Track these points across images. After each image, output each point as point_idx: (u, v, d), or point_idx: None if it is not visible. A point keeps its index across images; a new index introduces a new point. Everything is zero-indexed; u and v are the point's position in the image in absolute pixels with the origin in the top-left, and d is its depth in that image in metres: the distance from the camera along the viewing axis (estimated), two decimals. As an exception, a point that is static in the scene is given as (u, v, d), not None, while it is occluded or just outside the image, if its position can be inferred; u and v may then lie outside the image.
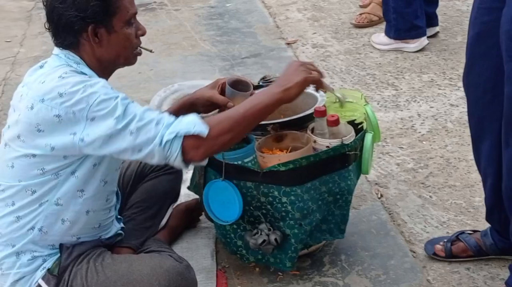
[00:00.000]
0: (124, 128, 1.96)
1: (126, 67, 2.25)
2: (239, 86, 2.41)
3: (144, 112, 1.99)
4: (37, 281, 2.16)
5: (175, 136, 1.97)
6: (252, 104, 2.09)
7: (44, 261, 2.17)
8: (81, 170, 2.10)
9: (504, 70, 2.10)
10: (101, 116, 1.96)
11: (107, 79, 2.19)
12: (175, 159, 2.00)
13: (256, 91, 2.38)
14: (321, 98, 2.56)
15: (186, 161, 2.02)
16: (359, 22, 4.87)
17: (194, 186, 2.62)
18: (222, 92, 2.41)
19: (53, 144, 2.01)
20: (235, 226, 2.47)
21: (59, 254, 2.18)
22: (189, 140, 1.99)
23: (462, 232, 2.63)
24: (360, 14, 4.94)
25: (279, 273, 2.58)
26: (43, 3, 2.11)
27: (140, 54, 2.22)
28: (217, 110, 2.40)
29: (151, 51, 2.35)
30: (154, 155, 1.99)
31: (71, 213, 2.15)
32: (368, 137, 2.48)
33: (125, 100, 2.00)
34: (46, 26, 2.12)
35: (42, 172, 2.07)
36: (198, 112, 2.46)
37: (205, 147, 2.02)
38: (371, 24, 4.86)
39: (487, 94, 2.24)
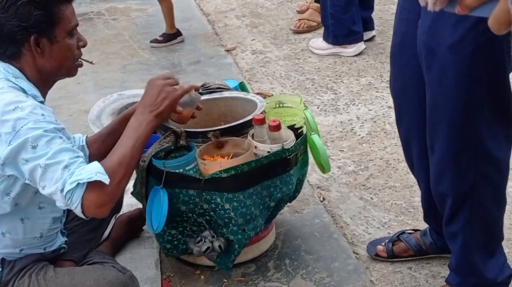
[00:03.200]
0: (35, 160, 1.92)
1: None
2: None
3: (60, 152, 1.92)
4: (-23, 297, 2.13)
5: (77, 185, 1.89)
6: (134, 140, 2.04)
7: (-15, 276, 2.14)
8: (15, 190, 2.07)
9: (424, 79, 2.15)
10: (21, 143, 1.92)
11: (47, 91, 2.17)
12: (75, 209, 1.92)
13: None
14: (261, 104, 2.58)
15: (87, 215, 1.95)
16: (298, 28, 4.92)
17: (136, 193, 2.60)
18: None
19: None
20: (180, 229, 2.48)
21: (0, 269, 2.15)
22: (91, 194, 1.90)
23: (403, 232, 2.67)
24: (299, 20, 4.99)
25: (225, 280, 2.58)
26: None
27: (81, 65, 2.20)
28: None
29: (91, 62, 2.34)
30: (56, 198, 1.93)
31: (7, 224, 2.12)
32: (316, 138, 2.51)
33: (50, 133, 1.94)
34: None
35: None
36: None
37: (107, 199, 1.94)
38: (309, 29, 4.91)
39: (412, 102, 2.28)
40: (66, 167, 1.91)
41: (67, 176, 1.90)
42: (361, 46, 4.51)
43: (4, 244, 2.15)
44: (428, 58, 2.07)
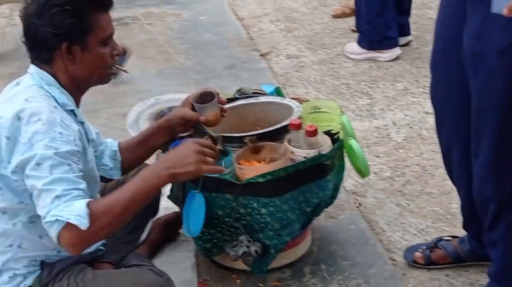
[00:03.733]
0: (34, 179, 1.92)
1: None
2: (207, 97, 2.38)
3: (58, 180, 1.91)
4: (18, 298, 2.14)
5: (56, 220, 1.88)
6: (139, 189, 1.98)
7: (25, 278, 2.15)
8: None
9: (468, 85, 2.13)
10: (30, 157, 1.93)
11: (80, 97, 2.18)
12: (53, 239, 1.92)
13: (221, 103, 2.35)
14: (297, 109, 2.58)
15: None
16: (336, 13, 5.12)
17: (173, 197, 2.61)
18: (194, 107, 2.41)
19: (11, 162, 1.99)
20: (219, 229, 2.48)
21: (39, 271, 2.17)
22: (67, 233, 1.88)
23: (440, 239, 2.65)
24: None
25: (260, 285, 2.57)
26: (21, 18, 2.10)
27: (114, 73, 2.21)
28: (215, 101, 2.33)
29: (125, 71, 2.35)
30: (43, 221, 1.92)
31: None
32: (354, 143, 2.50)
33: (59, 158, 1.93)
34: (23, 40, 2.12)
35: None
36: (176, 133, 2.45)
37: (82, 243, 1.92)
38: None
39: (454, 109, 2.27)
40: (57, 197, 1.90)
41: (53, 207, 1.89)
42: (396, 51, 4.49)
43: (43, 247, 2.17)
44: (474, 63, 2.05)
